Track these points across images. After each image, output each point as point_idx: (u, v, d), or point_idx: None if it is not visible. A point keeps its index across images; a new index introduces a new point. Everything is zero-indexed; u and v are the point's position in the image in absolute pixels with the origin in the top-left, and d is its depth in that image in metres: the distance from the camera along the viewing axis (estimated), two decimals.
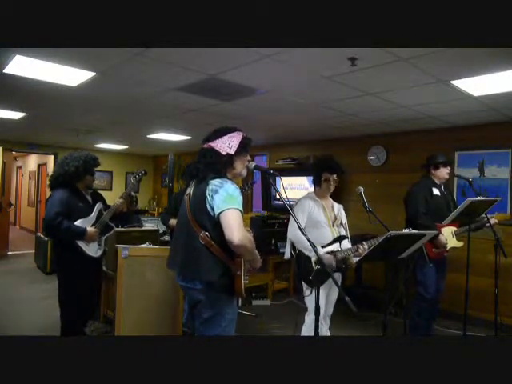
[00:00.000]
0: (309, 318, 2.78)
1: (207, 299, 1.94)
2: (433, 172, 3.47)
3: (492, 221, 3.22)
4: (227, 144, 2.02)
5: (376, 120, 4.42)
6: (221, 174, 1.98)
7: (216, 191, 1.88)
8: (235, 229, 1.79)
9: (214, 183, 1.91)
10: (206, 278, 1.92)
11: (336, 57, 2.51)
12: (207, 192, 1.91)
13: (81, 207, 2.94)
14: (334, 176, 2.87)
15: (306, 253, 2.66)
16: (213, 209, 1.88)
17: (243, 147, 2.07)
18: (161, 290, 3.04)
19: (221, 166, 2.00)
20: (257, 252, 2.02)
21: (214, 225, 1.88)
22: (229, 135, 2.05)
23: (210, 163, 1.99)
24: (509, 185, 4.23)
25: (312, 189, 3.04)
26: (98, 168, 3.20)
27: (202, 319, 1.97)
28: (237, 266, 1.92)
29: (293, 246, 2.81)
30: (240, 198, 1.91)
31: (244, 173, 2.14)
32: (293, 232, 2.72)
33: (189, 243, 1.97)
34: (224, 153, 2.01)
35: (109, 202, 3.28)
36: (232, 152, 2.02)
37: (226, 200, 1.85)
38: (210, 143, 2.05)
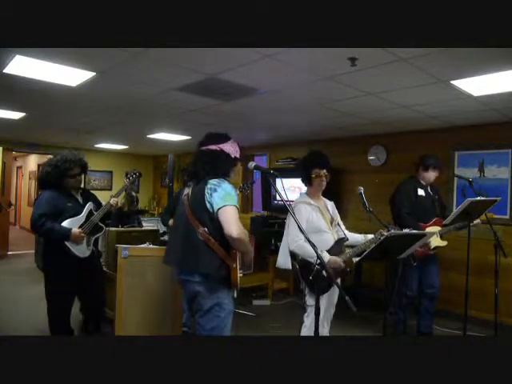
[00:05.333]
0: (308, 320, 2.72)
1: (206, 290, 2.07)
2: (421, 173, 3.55)
3: (475, 221, 3.21)
4: (234, 148, 2.23)
5: (376, 120, 4.42)
6: (224, 175, 2.16)
7: (215, 189, 2.05)
8: (233, 224, 1.97)
9: (213, 182, 2.08)
10: (204, 270, 2.05)
11: (336, 57, 2.51)
12: (206, 190, 2.06)
13: (70, 207, 2.92)
14: (325, 171, 2.76)
15: (312, 260, 2.51)
16: (211, 205, 2.04)
17: (241, 153, 2.29)
18: (161, 289, 3.04)
19: (230, 167, 2.21)
20: (250, 247, 2.16)
21: (213, 221, 2.04)
22: (231, 141, 2.24)
23: (221, 164, 2.16)
24: (509, 185, 4.23)
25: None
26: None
27: (201, 311, 2.09)
28: (232, 259, 2.06)
29: (292, 256, 2.71)
30: (236, 197, 2.08)
31: (235, 177, 2.34)
32: (294, 243, 2.62)
33: (187, 239, 2.10)
34: (233, 156, 2.21)
35: None
36: (238, 156, 2.24)
37: (224, 197, 2.02)
38: (220, 145, 2.19)
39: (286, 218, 2.95)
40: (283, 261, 2.80)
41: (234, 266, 2.06)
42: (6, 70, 2.96)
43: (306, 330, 2.71)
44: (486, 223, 3.23)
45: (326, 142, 5.84)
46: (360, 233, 3.04)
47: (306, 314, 2.76)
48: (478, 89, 3.10)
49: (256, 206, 7.31)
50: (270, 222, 5.56)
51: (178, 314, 3.11)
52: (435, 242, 3.33)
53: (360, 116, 4.26)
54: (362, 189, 2.81)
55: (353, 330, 3.97)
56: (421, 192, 3.46)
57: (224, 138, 2.24)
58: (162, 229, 4.90)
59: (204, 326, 2.08)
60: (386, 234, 2.35)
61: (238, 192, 4.25)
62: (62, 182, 2.96)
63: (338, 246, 2.73)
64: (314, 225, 2.72)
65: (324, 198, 2.95)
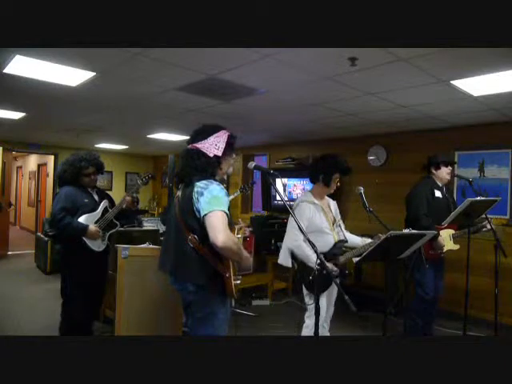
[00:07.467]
0: (309, 320, 2.73)
1: (199, 300, 1.96)
2: (434, 172, 3.45)
3: (488, 225, 3.21)
4: (214, 145, 2.00)
5: (376, 120, 4.42)
6: (207, 176, 1.97)
7: (201, 193, 1.87)
8: (218, 231, 1.77)
9: (200, 185, 1.91)
10: (195, 280, 1.93)
11: (336, 57, 2.51)
12: (193, 194, 1.90)
13: (86, 203, 3.05)
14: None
15: (309, 264, 2.58)
16: (199, 211, 1.87)
17: (229, 147, 2.07)
18: (161, 289, 3.03)
19: (209, 168, 2.00)
20: (245, 253, 1.97)
21: (201, 227, 1.86)
22: (215, 135, 2.03)
23: (198, 166, 1.98)
24: (509, 185, 4.23)
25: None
26: None
27: (194, 319, 2.00)
28: (225, 268, 1.91)
29: (292, 255, 2.73)
30: (225, 199, 1.90)
31: (230, 171, 2.15)
32: (293, 242, 2.65)
33: (178, 245, 1.98)
34: (211, 155, 2.00)
35: None
36: (219, 153, 2.01)
37: (210, 202, 1.84)
38: (196, 144, 2.02)
39: (286, 218, 2.95)
40: (284, 258, 2.80)
41: (228, 275, 1.91)
42: (6, 70, 2.96)
43: (308, 330, 2.72)
44: (484, 228, 3.23)
45: (326, 142, 5.84)
46: (360, 233, 3.04)
47: (307, 314, 2.77)
48: (478, 89, 3.10)
49: (256, 206, 7.31)
50: (270, 221, 5.55)
51: (178, 314, 3.10)
52: (448, 245, 3.28)
53: (360, 116, 4.26)
54: (361, 189, 2.81)
55: (353, 330, 3.97)
56: (437, 193, 3.38)
57: (204, 134, 2.03)
58: (162, 229, 4.90)
59: (197, 333, 2.00)
60: (383, 237, 2.34)
61: (239, 192, 4.25)
62: (77, 180, 3.08)
63: (338, 248, 2.73)
64: (317, 225, 2.72)
65: (327, 197, 2.96)
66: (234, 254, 1.87)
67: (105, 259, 3.21)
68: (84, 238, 2.97)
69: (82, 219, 2.98)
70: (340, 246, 2.75)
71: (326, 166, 2.85)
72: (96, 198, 3.17)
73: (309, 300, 2.71)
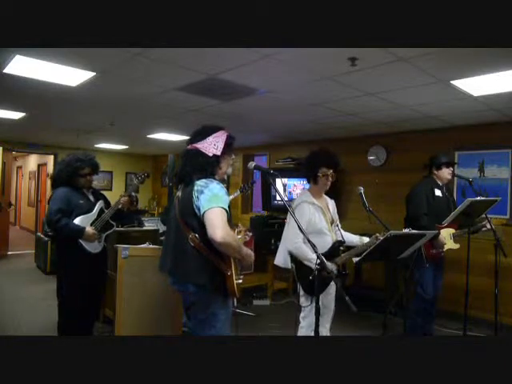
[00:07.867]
0: (304, 321, 2.68)
1: (200, 301, 1.95)
2: (435, 172, 3.47)
3: (488, 225, 3.21)
4: (213, 145, 2.02)
5: (376, 120, 4.42)
6: (207, 175, 1.98)
7: (201, 192, 1.88)
8: (217, 226, 1.79)
9: (200, 184, 1.92)
10: (196, 280, 1.92)
11: (336, 57, 2.51)
12: (193, 193, 1.91)
13: (82, 204, 3.02)
14: (331, 171, 2.72)
15: (308, 263, 2.54)
16: (199, 209, 1.87)
17: (228, 147, 2.08)
18: (161, 289, 3.04)
19: (208, 167, 2.01)
20: (246, 250, 1.98)
21: (202, 225, 1.87)
22: (213, 135, 2.05)
23: (198, 165, 1.99)
24: (509, 185, 4.23)
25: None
26: None
27: (196, 320, 1.99)
28: (226, 266, 1.91)
29: (291, 256, 2.69)
30: (225, 198, 1.91)
31: (229, 171, 2.16)
32: (292, 244, 2.62)
33: (178, 245, 1.98)
34: (210, 154, 2.02)
35: None
36: (218, 153, 2.03)
37: (210, 199, 1.85)
38: (196, 144, 2.04)
39: (286, 218, 2.92)
40: (282, 259, 2.76)
41: (229, 273, 1.90)
42: (6, 70, 2.96)
43: (304, 331, 2.68)
44: (483, 228, 3.24)
45: (326, 142, 5.84)
46: (360, 233, 3.04)
47: (301, 315, 2.72)
48: (478, 89, 3.10)
49: (256, 206, 7.31)
50: (270, 221, 5.55)
51: (178, 314, 3.10)
52: (449, 244, 3.29)
53: (360, 116, 4.26)
54: (362, 189, 2.80)
55: (353, 330, 3.97)
56: (438, 192, 3.39)
57: (203, 135, 2.05)
58: (162, 229, 4.90)
59: (198, 334, 1.99)
60: (381, 238, 2.31)
61: (239, 192, 4.25)
62: (73, 181, 3.06)
63: (336, 249, 2.71)
64: (316, 226, 2.68)
65: (326, 196, 2.91)
66: (234, 250, 1.88)
67: (102, 260, 3.17)
68: (80, 240, 2.93)
69: (77, 221, 2.94)
70: (337, 247, 2.72)
71: (308, 161, 2.80)
72: (91, 198, 3.14)
73: (304, 301, 2.67)
